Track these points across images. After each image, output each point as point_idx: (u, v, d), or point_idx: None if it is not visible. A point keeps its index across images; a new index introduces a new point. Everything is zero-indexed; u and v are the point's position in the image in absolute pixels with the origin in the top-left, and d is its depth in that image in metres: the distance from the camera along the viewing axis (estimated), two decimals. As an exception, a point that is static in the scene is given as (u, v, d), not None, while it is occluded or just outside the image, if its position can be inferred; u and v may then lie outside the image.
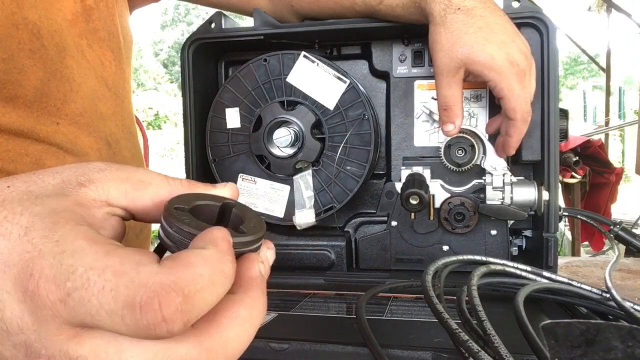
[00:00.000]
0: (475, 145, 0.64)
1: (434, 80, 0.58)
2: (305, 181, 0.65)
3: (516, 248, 0.66)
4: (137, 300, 0.20)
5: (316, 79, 0.64)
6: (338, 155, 0.64)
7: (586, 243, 3.87)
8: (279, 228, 0.68)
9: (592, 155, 3.33)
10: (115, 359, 0.21)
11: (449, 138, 0.64)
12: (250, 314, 0.23)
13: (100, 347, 0.21)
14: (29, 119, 0.49)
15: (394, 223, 0.67)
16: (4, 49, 0.46)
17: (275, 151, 0.65)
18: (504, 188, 0.62)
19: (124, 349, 0.21)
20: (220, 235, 0.23)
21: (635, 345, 0.20)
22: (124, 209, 0.26)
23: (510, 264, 0.49)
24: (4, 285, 0.22)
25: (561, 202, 0.73)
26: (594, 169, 3.38)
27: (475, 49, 0.53)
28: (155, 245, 0.28)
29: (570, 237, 3.73)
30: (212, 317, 0.23)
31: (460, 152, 0.64)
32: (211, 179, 0.68)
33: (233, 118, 0.67)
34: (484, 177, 0.64)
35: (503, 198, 0.62)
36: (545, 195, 0.60)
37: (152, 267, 0.21)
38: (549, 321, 0.22)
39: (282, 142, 0.64)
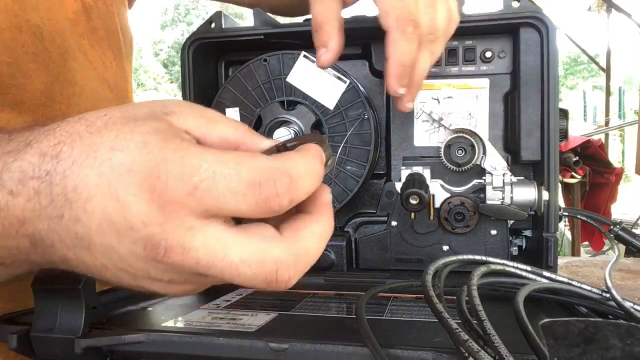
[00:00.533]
0: (475, 145, 0.64)
1: (434, 80, 0.58)
2: (305, 181, 0.65)
3: (516, 248, 0.66)
4: (257, 180, 0.25)
5: (316, 79, 0.64)
6: (338, 155, 0.64)
7: (586, 243, 3.87)
8: (279, 228, 0.68)
9: (592, 155, 3.33)
10: (220, 252, 0.26)
11: (449, 138, 0.64)
12: (323, 231, 0.29)
13: (210, 241, 0.26)
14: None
15: (394, 223, 0.67)
16: (9, 53, 0.45)
17: (275, 151, 0.65)
18: (504, 188, 0.62)
19: (229, 245, 0.26)
20: (314, 146, 0.29)
21: (633, 343, 0.20)
22: (197, 140, 0.29)
23: (510, 263, 0.49)
24: (129, 189, 0.25)
25: (561, 202, 0.73)
26: (594, 169, 3.39)
27: None
28: None
29: (570, 237, 3.73)
30: (297, 230, 0.28)
31: (460, 152, 0.64)
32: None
33: (233, 118, 0.67)
34: (484, 177, 0.64)
35: (503, 198, 0.62)
36: (545, 195, 0.60)
37: (265, 157, 0.26)
38: (547, 320, 0.22)
39: (282, 142, 0.64)
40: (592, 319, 0.21)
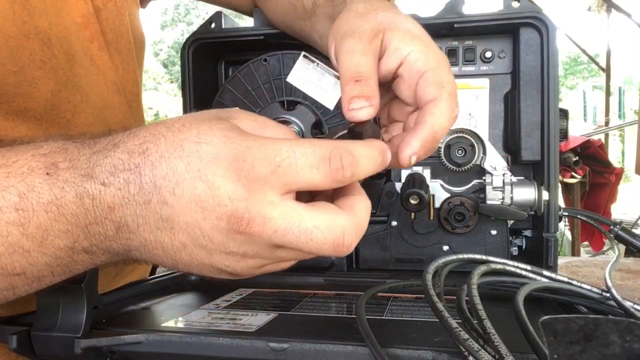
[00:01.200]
0: (475, 145, 0.64)
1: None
2: (305, 181, 0.65)
3: (516, 248, 0.66)
4: (327, 154, 0.31)
5: (316, 79, 0.64)
6: (338, 155, 0.64)
7: (586, 243, 3.87)
8: (279, 228, 0.68)
9: (592, 155, 3.33)
10: (297, 220, 0.31)
11: (449, 138, 0.64)
12: (368, 206, 0.35)
13: (287, 211, 0.31)
14: (39, 132, 0.47)
15: (394, 223, 0.67)
16: (15, 62, 0.44)
17: (275, 151, 0.65)
18: (504, 188, 0.62)
19: (303, 215, 0.31)
20: (377, 141, 0.35)
21: (633, 339, 0.20)
22: None
23: (511, 262, 0.49)
24: (217, 172, 0.30)
25: (561, 202, 0.73)
26: (594, 169, 3.39)
27: (398, 18, 0.43)
28: None
29: (570, 237, 3.73)
30: (352, 206, 0.33)
31: (460, 152, 0.64)
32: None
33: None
34: (484, 177, 0.64)
35: (503, 198, 0.62)
36: (545, 195, 0.60)
37: (332, 140, 0.33)
38: (547, 317, 0.22)
39: (282, 142, 0.64)
40: (591, 316, 0.21)
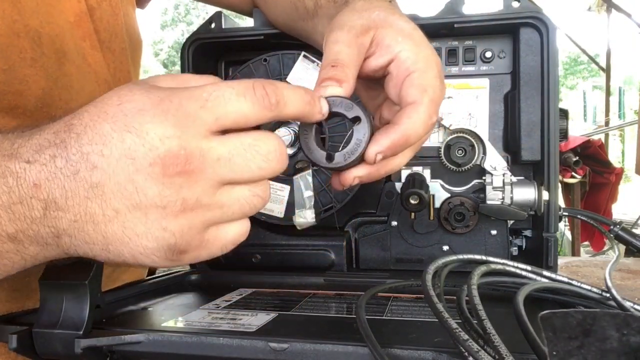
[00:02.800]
0: (475, 145, 0.64)
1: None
2: (305, 181, 0.65)
3: (516, 248, 0.66)
4: (251, 84, 0.31)
5: (316, 79, 0.64)
6: (338, 155, 0.64)
7: (586, 243, 3.87)
8: (279, 228, 0.68)
9: (592, 155, 3.33)
10: (236, 141, 0.31)
11: (449, 138, 0.64)
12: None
13: (224, 139, 0.31)
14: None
15: (394, 223, 0.67)
16: (5, 60, 0.45)
17: (275, 151, 0.65)
18: (504, 188, 0.62)
19: (239, 135, 0.31)
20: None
21: (629, 332, 0.20)
22: None
23: (511, 263, 0.49)
24: (144, 119, 0.29)
25: (561, 202, 0.73)
26: (594, 169, 3.39)
27: (392, 16, 0.42)
28: None
29: (570, 237, 3.73)
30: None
31: (460, 152, 0.64)
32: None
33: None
34: (484, 177, 0.64)
35: (503, 198, 0.62)
36: (545, 195, 0.60)
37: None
38: (546, 311, 0.22)
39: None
40: (590, 310, 0.21)
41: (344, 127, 0.63)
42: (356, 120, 0.37)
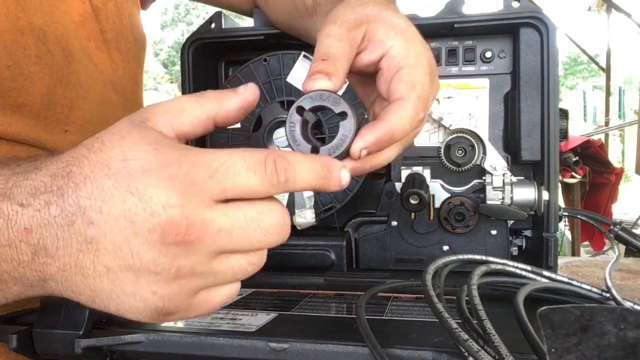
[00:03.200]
0: (475, 145, 0.64)
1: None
2: (305, 181, 0.65)
3: (516, 248, 0.66)
4: (263, 159, 0.30)
5: (316, 79, 0.64)
6: (338, 155, 0.64)
7: (586, 243, 3.87)
8: (279, 228, 0.68)
9: (592, 155, 3.33)
10: (240, 213, 0.30)
11: (449, 138, 0.64)
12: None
13: (228, 209, 0.30)
14: (36, 127, 0.48)
15: (394, 223, 0.67)
16: (10, 56, 0.45)
17: (275, 151, 0.65)
18: (504, 188, 0.62)
19: (243, 207, 0.30)
20: (324, 157, 0.34)
21: (626, 327, 0.20)
22: (176, 136, 0.33)
23: (511, 263, 0.49)
24: (149, 183, 0.28)
25: (561, 202, 0.73)
26: (594, 169, 3.39)
27: (385, 12, 0.42)
28: None
29: (570, 237, 3.73)
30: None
31: (460, 152, 0.64)
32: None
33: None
34: (484, 177, 0.64)
35: (503, 198, 0.62)
36: (545, 195, 0.60)
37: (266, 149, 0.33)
38: (545, 307, 0.22)
39: (282, 142, 0.64)
40: (587, 305, 0.21)
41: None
42: (343, 115, 0.37)
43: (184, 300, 0.31)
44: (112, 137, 0.30)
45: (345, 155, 0.38)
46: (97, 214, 0.28)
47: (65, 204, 0.29)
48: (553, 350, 0.21)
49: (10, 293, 0.32)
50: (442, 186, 0.65)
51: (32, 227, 0.29)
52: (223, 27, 0.67)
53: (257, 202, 0.31)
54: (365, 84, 0.45)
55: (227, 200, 0.30)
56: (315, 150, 0.37)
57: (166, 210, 0.28)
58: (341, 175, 0.34)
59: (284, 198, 0.66)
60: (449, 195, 0.65)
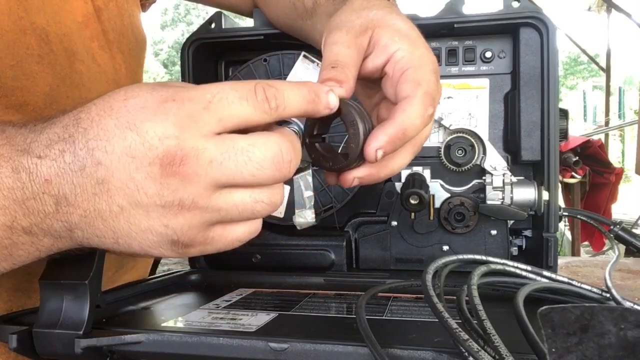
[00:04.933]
0: (475, 145, 0.64)
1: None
2: (305, 181, 0.65)
3: (516, 248, 0.66)
4: (252, 87, 0.31)
5: (316, 79, 0.64)
6: (338, 155, 0.64)
7: (586, 243, 3.87)
8: (279, 228, 0.68)
9: (592, 155, 3.33)
10: (230, 143, 0.30)
11: (449, 138, 0.64)
12: (293, 133, 0.36)
13: (220, 140, 0.30)
14: None
15: (394, 223, 0.67)
16: (12, 55, 0.45)
17: (275, 151, 0.65)
18: (504, 188, 0.62)
19: (237, 138, 0.31)
20: (311, 82, 0.36)
21: (627, 327, 0.20)
22: None
23: (511, 263, 0.49)
24: (145, 117, 0.30)
25: (561, 202, 0.73)
26: (594, 169, 3.38)
27: (390, 16, 0.42)
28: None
29: (570, 237, 3.73)
30: (280, 130, 0.34)
31: (460, 152, 0.64)
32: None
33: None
34: (484, 177, 0.64)
35: (503, 198, 0.62)
36: (545, 195, 0.60)
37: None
38: (545, 307, 0.22)
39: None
40: (587, 304, 0.21)
41: (343, 127, 0.63)
42: (351, 120, 0.37)
43: (197, 234, 0.32)
44: (122, 88, 0.32)
45: (359, 160, 0.38)
46: (103, 154, 0.30)
47: (76, 149, 0.30)
48: (553, 349, 0.21)
49: (42, 245, 0.33)
50: (442, 186, 0.65)
51: (51, 178, 0.31)
52: (223, 27, 0.67)
53: (253, 134, 0.31)
54: (366, 87, 0.46)
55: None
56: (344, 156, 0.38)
57: (162, 142, 0.29)
58: (329, 98, 0.35)
59: (284, 197, 0.66)
60: (449, 195, 0.65)
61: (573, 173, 3.26)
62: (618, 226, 0.60)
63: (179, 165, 0.29)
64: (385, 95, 0.43)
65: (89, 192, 0.31)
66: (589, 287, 0.48)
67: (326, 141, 0.40)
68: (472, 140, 0.64)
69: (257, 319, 0.45)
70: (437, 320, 0.35)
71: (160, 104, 0.30)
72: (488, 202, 0.63)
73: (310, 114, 0.35)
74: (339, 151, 0.38)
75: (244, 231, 0.34)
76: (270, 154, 0.31)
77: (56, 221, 0.32)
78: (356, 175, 0.39)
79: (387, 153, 0.38)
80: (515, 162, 0.64)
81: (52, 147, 0.31)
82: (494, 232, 0.64)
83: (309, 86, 0.34)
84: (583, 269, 0.90)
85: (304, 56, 0.64)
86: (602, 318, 0.21)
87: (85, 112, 0.31)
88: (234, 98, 0.31)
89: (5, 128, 0.33)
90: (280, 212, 0.67)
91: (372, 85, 0.44)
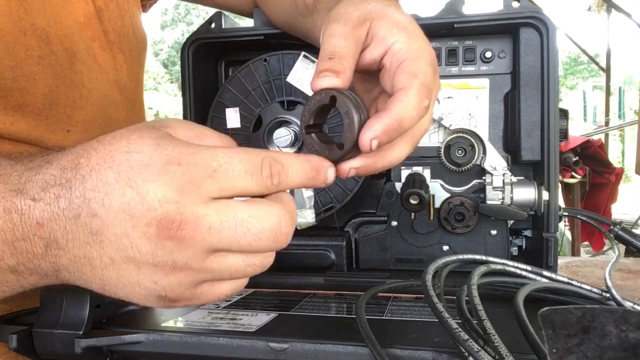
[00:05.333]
0: (475, 145, 0.64)
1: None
2: (305, 181, 0.65)
3: (516, 248, 0.66)
4: (260, 162, 0.31)
5: (316, 79, 0.64)
6: (338, 155, 0.64)
7: (586, 243, 3.87)
8: (279, 228, 0.68)
9: (592, 155, 3.33)
10: (231, 212, 0.30)
11: (449, 138, 0.64)
12: (292, 199, 0.35)
13: (222, 206, 0.30)
14: (39, 127, 0.48)
15: (394, 223, 0.67)
16: (12, 56, 0.45)
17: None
18: (504, 188, 0.62)
19: (237, 207, 0.31)
20: (316, 157, 0.36)
21: (628, 329, 0.20)
22: None
23: (511, 263, 0.49)
24: (148, 178, 0.29)
25: (561, 202, 0.73)
26: (594, 169, 3.38)
27: (388, 8, 0.42)
28: None
29: (570, 237, 3.73)
30: (280, 198, 0.33)
31: (460, 152, 0.64)
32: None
33: (233, 118, 0.67)
34: (484, 177, 0.64)
35: (503, 198, 0.62)
36: (545, 195, 0.60)
37: (263, 149, 0.33)
38: (546, 308, 0.22)
39: (282, 142, 0.64)
40: (589, 306, 0.21)
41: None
42: (346, 110, 0.37)
43: (185, 291, 0.32)
44: (125, 131, 0.31)
45: (354, 149, 0.37)
46: (100, 206, 0.30)
47: (73, 197, 0.30)
48: (554, 350, 0.21)
49: (27, 283, 0.34)
50: (442, 186, 0.65)
51: (43, 221, 0.30)
52: (223, 27, 0.67)
53: (254, 204, 0.31)
54: (365, 81, 0.46)
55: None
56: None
57: (162, 206, 0.29)
58: (327, 174, 0.36)
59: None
60: (449, 195, 0.65)
61: (573, 173, 3.26)
62: (618, 226, 0.60)
63: (177, 229, 0.29)
64: (383, 89, 0.43)
65: (81, 240, 0.30)
66: (589, 287, 0.48)
67: (323, 131, 0.40)
68: (472, 140, 0.64)
69: (257, 319, 0.45)
70: (437, 320, 0.35)
71: (165, 166, 0.30)
72: (488, 202, 0.63)
73: (306, 186, 0.36)
74: (336, 142, 0.38)
75: (231, 288, 0.34)
76: (269, 226, 0.31)
77: (44, 262, 0.32)
78: (352, 166, 0.39)
79: (382, 143, 0.37)
80: (515, 162, 0.64)
81: (48, 190, 0.31)
82: (494, 232, 0.64)
83: (313, 163, 0.35)
84: (583, 269, 0.90)
85: (304, 56, 0.64)
86: (603, 320, 0.21)
87: (85, 157, 0.31)
88: (239, 172, 0.31)
89: (1, 162, 0.33)
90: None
91: (370, 79, 0.44)
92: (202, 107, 0.69)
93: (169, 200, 0.29)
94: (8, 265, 0.32)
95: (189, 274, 0.31)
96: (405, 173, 0.66)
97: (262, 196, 0.33)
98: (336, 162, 0.39)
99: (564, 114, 0.62)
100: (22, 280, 0.33)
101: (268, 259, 0.33)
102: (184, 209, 0.29)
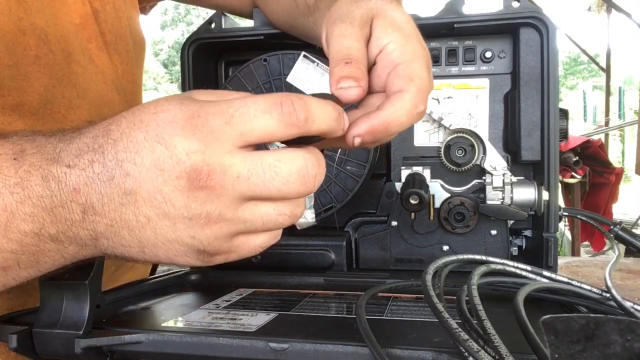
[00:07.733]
0: (475, 145, 0.64)
1: (434, 80, 0.58)
2: (305, 181, 0.65)
3: (516, 248, 0.66)
4: (279, 100, 0.31)
5: (316, 79, 0.64)
6: (338, 155, 0.64)
7: (586, 243, 3.87)
8: (279, 228, 0.68)
9: (592, 155, 3.33)
10: (258, 160, 0.31)
11: (449, 138, 0.64)
12: (317, 150, 0.34)
13: (248, 156, 0.31)
14: (35, 126, 0.48)
15: (394, 223, 0.67)
16: (10, 56, 0.45)
17: (275, 151, 0.65)
18: (504, 188, 0.62)
19: (263, 155, 0.31)
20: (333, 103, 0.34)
21: (634, 338, 0.20)
22: None
23: (511, 263, 0.49)
24: (174, 132, 0.30)
25: (561, 202, 0.73)
26: (594, 169, 3.39)
27: (388, 6, 0.42)
28: None
29: (570, 237, 3.73)
30: (306, 147, 0.33)
31: (460, 152, 0.64)
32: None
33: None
34: (484, 177, 0.64)
35: (503, 198, 0.62)
36: (545, 195, 0.60)
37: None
38: (549, 316, 0.22)
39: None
40: (593, 315, 0.21)
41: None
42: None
43: (222, 244, 0.33)
44: (151, 101, 0.33)
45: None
46: (132, 166, 0.31)
47: (106, 160, 0.31)
48: (556, 356, 0.21)
49: (67, 253, 0.34)
50: (442, 186, 0.65)
51: (79, 187, 0.31)
52: (223, 27, 0.67)
53: (279, 150, 0.32)
54: None
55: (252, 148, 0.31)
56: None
57: (189, 157, 0.30)
58: (345, 119, 0.35)
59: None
60: (449, 195, 0.65)
61: (573, 173, 3.26)
62: (618, 226, 0.60)
63: (206, 179, 0.30)
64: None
65: (116, 202, 0.31)
66: (589, 287, 0.48)
67: None
68: (472, 140, 0.64)
69: (257, 319, 0.45)
70: (437, 320, 0.35)
71: (188, 120, 0.31)
72: (488, 202, 0.63)
73: (332, 133, 0.34)
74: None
75: (266, 239, 0.35)
76: (297, 169, 0.31)
77: (82, 229, 0.32)
78: (356, 134, 0.37)
79: (365, 142, 0.38)
80: (515, 162, 0.64)
81: (82, 156, 0.32)
82: (494, 232, 0.64)
83: (332, 104, 0.34)
84: (583, 269, 0.90)
85: (304, 56, 0.64)
86: (607, 329, 0.21)
87: (115, 124, 0.32)
88: (255, 111, 0.31)
89: (36, 137, 0.34)
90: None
91: None
92: (202, 107, 0.69)
93: (195, 151, 0.30)
94: (49, 234, 0.32)
95: (223, 225, 0.32)
96: (405, 173, 0.66)
97: (287, 144, 0.33)
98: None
99: (564, 114, 0.62)
100: (62, 249, 0.34)
101: (298, 209, 0.34)
102: (210, 159, 0.30)
